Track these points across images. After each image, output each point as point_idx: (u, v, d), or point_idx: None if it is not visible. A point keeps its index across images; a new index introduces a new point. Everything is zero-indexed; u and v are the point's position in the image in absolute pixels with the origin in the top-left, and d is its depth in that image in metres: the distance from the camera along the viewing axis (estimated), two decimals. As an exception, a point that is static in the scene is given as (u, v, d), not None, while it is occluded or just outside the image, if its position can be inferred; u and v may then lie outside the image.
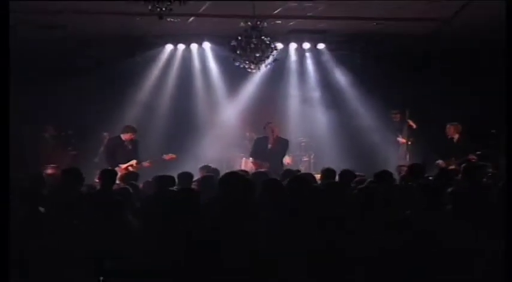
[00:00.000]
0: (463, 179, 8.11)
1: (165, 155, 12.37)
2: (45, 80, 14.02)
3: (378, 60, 14.81)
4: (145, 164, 11.89)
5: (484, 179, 8.23)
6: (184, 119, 15.03)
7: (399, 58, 14.91)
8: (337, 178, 8.29)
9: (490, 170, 9.27)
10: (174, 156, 12.46)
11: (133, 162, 11.80)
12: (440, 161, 12.20)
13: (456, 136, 12.79)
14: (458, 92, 14.40)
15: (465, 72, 14.59)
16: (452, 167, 10.96)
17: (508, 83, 5.63)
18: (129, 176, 9.16)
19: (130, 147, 12.06)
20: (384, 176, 7.85)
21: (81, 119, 14.25)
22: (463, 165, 8.69)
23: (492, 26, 12.84)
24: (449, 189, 6.12)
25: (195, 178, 8.65)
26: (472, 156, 12.02)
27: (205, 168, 9.99)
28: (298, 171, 10.11)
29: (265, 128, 12.69)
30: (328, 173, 8.72)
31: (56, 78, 14.11)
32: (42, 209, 6.34)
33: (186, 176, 8.36)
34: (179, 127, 14.88)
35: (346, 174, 8.28)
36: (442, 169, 9.52)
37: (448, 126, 13.03)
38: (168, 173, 8.52)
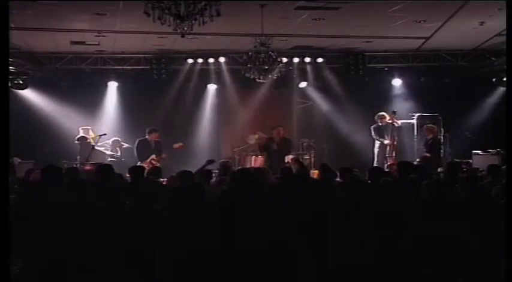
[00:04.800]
0: (446, 172, 8.09)
1: (174, 145, 12.60)
2: (80, 90, 14.14)
3: (368, 71, 14.82)
4: (163, 156, 12.27)
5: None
6: (202, 122, 15.08)
7: (386, 70, 15.05)
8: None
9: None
10: (181, 144, 12.74)
11: (153, 156, 12.16)
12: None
13: (430, 136, 12.66)
14: (435, 98, 14.55)
15: (440, 81, 14.85)
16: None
17: (508, 83, 5.40)
18: (154, 171, 9.17)
19: (154, 146, 12.39)
20: (377, 171, 7.82)
21: (115, 121, 14.41)
22: (447, 161, 8.65)
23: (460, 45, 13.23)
24: (425, 181, 6.10)
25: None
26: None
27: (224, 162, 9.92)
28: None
29: (274, 129, 12.72)
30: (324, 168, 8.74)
31: (89, 87, 14.27)
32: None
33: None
34: (198, 128, 14.95)
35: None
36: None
37: (424, 127, 12.96)
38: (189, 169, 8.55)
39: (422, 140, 13.22)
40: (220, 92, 15.32)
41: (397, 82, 15.24)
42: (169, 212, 5.71)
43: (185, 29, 7.40)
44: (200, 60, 14.60)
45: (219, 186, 7.53)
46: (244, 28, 11.41)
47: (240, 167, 11.91)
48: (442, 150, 12.89)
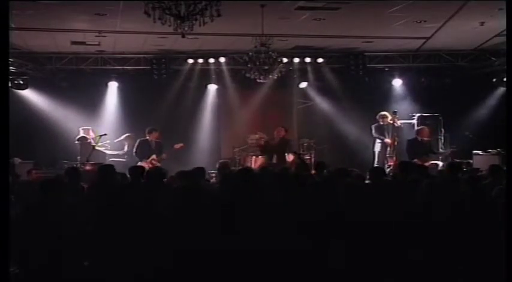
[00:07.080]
0: (447, 173, 8.07)
1: (175, 145, 12.53)
2: (81, 90, 14.16)
3: (368, 72, 14.82)
4: (164, 156, 12.21)
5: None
6: (203, 122, 15.08)
7: (386, 70, 15.10)
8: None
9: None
10: (182, 144, 12.66)
11: (153, 156, 12.12)
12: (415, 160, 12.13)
13: (426, 138, 12.58)
14: (435, 98, 14.57)
15: (440, 81, 14.86)
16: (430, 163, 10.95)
17: (508, 83, 5.40)
18: (155, 172, 9.16)
19: (154, 145, 12.34)
20: (377, 171, 7.80)
21: (115, 122, 14.42)
22: (447, 162, 8.61)
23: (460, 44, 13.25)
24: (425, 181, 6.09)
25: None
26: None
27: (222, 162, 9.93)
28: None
29: (275, 129, 12.74)
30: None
31: (90, 87, 14.28)
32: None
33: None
34: (199, 128, 14.96)
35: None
36: (420, 166, 9.46)
37: (421, 127, 12.84)
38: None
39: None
40: (220, 92, 15.32)
41: (397, 82, 15.25)
42: (169, 212, 5.71)
43: (185, 29, 7.41)
44: (200, 61, 14.58)
45: (217, 186, 7.52)
46: (244, 28, 11.40)
47: (240, 167, 11.91)
48: None
